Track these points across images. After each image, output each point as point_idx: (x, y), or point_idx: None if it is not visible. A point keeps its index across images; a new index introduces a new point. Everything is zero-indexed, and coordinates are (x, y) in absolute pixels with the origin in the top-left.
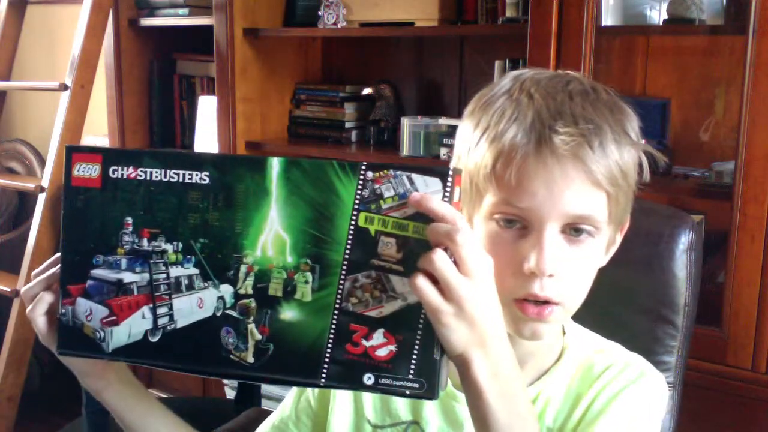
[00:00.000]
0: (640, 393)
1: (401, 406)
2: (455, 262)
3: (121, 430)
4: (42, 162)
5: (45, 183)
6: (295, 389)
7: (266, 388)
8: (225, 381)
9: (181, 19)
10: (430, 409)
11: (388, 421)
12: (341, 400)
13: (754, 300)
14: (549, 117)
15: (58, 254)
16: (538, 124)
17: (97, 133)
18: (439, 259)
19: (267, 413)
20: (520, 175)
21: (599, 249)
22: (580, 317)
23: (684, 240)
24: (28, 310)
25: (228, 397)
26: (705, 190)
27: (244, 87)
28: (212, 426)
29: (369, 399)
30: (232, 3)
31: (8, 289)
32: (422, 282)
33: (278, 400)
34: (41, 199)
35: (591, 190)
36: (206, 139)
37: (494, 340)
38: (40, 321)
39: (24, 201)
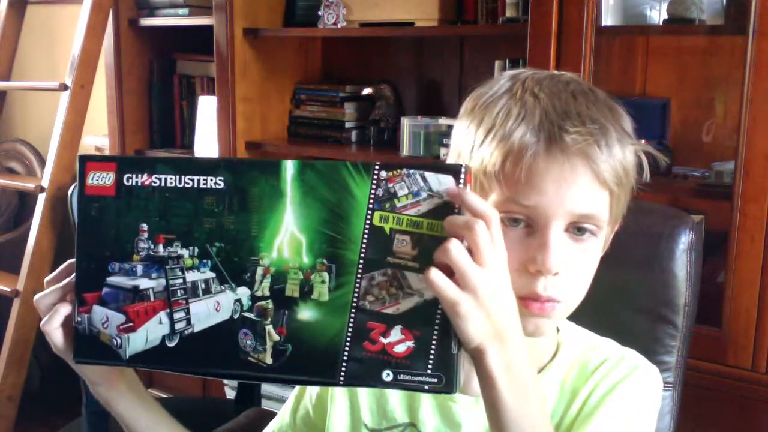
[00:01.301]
0: (636, 386)
1: (397, 408)
2: (470, 253)
3: (121, 430)
4: (42, 162)
5: (45, 183)
6: (293, 396)
7: (266, 388)
8: (225, 381)
9: (181, 19)
10: (426, 410)
11: (384, 424)
12: (338, 404)
13: (754, 300)
14: (557, 116)
15: (71, 261)
16: (546, 123)
17: (97, 133)
18: (454, 247)
19: (267, 413)
20: (529, 174)
21: (599, 248)
22: (579, 317)
23: (684, 240)
24: (43, 322)
25: (228, 397)
26: (705, 190)
27: (244, 87)
28: (212, 426)
29: (365, 402)
30: (232, 3)
31: (8, 289)
32: (436, 274)
33: (278, 400)
34: (41, 199)
35: (597, 189)
36: (206, 139)
37: (510, 331)
38: (56, 334)
39: (24, 201)
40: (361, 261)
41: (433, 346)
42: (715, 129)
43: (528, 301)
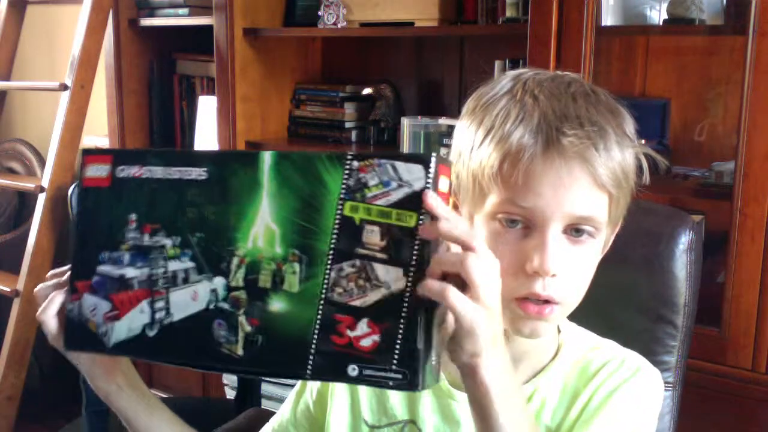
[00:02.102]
0: (637, 389)
1: (397, 405)
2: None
3: (122, 429)
4: (42, 162)
5: (45, 183)
6: (294, 392)
7: (266, 388)
8: (225, 381)
9: (181, 19)
10: (426, 408)
11: (384, 421)
12: (338, 401)
13: (754, 300)
14: (555, 119)
15: None
16: (545, 125)
17: (97, 133)
18: (474, 263)
19: (267, 413)
20: (526, 176)
21: (598, 249)
22: (579, 317)
23: (684, 240)
24: (39, 311)
25: (228, 397)
26: (705, 190)
27: (244, 87)
28: (212, 426)
29: (365, 399)
30: (232, 3)
31: (8, 289)
32: (456, 295)
33: (278, 400)
34: (41, 199)
35: (595, 192)
36: (206, 139)
37: (498, 340)
38: (51, 322)
39: (24, 201)
40: (331, 252)
41: (398, 341)
42: (715, 129)
43: (525, 303)
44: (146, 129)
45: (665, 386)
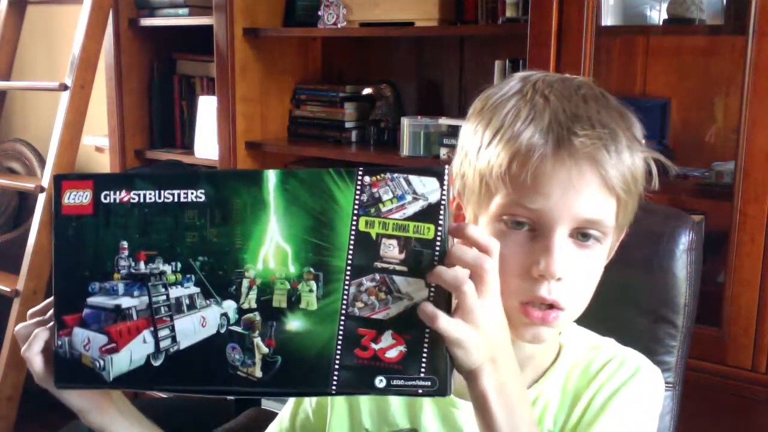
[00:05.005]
0: (638, 389)
1: (398, 413)
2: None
3: None
4: (42, 162)
5: (45, 183)
6: (293, 400)
7: None
8: None
9: (181, 19)
10: (428, 415)
11: (385, 429)
12: (338, 410)
13: (754, 300)
14: (566, 119)
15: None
16: (555, 125)
17: (97, 133)
18: (469, 290)
19: (267, 413)
20: (535, 176)
21: (604, 255)
22: (580, 317)
23: (684, 240)
24: (23, 349)
25: (228, 396)
26: (705, 190)
27: (244, 87)
28: (212, 426)
29: (366, 407)
30: (232, 3)
31: (8, 289)
32: (445, 319)
33: (278, 400)
34: (41, 199)
35: (604, 195)
36: (206, 139)
37: (502, 353)
38: (36, 360)
39: (24, 201)
40: (349, 267)
41: (424, 350)
42: (715, 129)
43: (529, 309)
44: (146, 129)
45: (665, 386)
